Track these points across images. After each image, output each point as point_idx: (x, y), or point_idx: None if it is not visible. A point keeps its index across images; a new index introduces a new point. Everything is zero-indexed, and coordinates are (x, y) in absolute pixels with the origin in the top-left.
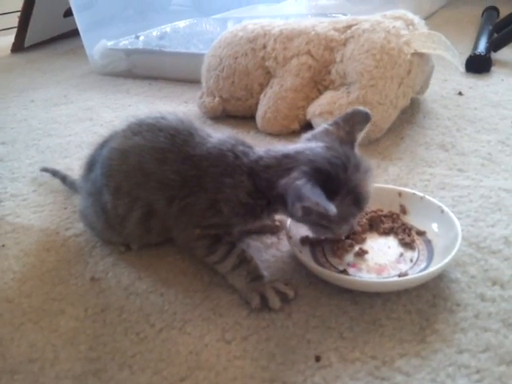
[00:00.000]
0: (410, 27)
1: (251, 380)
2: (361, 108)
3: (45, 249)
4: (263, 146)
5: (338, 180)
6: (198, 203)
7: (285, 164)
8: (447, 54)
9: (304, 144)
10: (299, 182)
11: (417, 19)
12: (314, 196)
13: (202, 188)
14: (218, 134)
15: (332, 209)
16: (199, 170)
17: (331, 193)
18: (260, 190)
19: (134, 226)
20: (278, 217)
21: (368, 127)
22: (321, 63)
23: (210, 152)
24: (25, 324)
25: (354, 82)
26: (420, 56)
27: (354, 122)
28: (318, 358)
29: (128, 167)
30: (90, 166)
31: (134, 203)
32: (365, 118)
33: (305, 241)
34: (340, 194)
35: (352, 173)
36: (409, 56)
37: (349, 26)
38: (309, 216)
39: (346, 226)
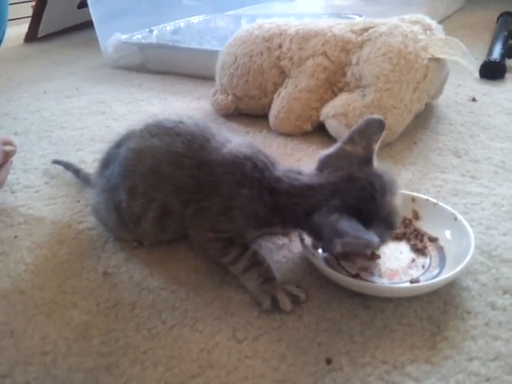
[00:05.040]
0: (428, 32)
1: (262, 380)
2: (374, 117)
3: (57, 241)
4: (281, 163)
5: (370, 213)
6: (212, 208)
7: (308, 196)
8: (464, 60)
9: (325, 176)
10: (333, 218)
11: (434, 24)
12: (353, 230)
13: (217, 193)
14: (236, 140)
15: (375, 239)
16: (214, 175)
17: (365, 224)
18: (278, 209)
19: (150, 225)
20: None
21: (383, 135)
22: (336, 65)
23: (225, 158)
24: (37, 316)
25: (370, 84)
26: (436, 61)
27: (369, 133)
28: (328, 361)
29: (143, 168)
30: (105, 163)
31: (149, 204)
32: (379, 126)
33: (317, 244)
34: (374, 224)
35: (380, 199)
36: (425, 61)
37: (366, 29)
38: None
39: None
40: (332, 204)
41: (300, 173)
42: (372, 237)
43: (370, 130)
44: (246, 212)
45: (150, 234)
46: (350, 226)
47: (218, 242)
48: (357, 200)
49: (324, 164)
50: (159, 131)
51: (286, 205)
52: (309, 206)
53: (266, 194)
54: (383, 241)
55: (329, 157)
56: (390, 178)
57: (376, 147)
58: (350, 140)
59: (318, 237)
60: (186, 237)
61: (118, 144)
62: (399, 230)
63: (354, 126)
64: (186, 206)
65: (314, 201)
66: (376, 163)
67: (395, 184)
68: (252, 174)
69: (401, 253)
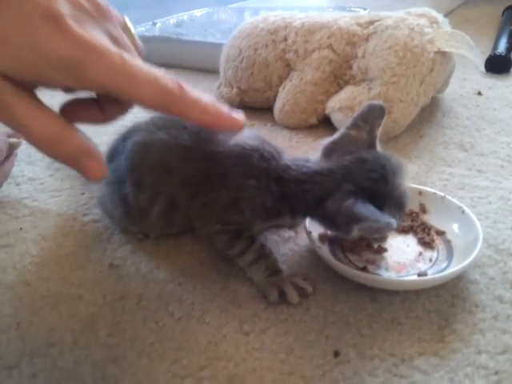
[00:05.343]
0: (434, 25)
1: (270, 372)
2: (375, 102)
3: (62, 233)
4: (287, 154)
5: (382, 195)
6: (220, 200)
7: (318, 183)
8: (470, 53)
9: (334, 161)
10: (349, 202)
11: (441, 17)
12: (371, 214)
13: (224, 185)
14: (242, 132)
15: (393, 222)
16: (222, 167)
17: (378, 207)
18: (286, 197)
19: (156, 219)
20: None
21: (385, 121)
22: (342, 58)
23: (232, 150)
24: (43, 308)
25: (376, 78)
26: (443, 54)
27: (372, 118)
28: (336, 354)
29: (151, 161)
30: (111, 155)
31: (156, 197)
32: (381, 112)
33: (324, 237)
34: (386, 206)
35: (392, 182)
36: (432, 54)
37: (372, 22)
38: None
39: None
40: (345, 189)
41: (307, 160)
42: (390, 219)
43: (373, 116)
44: (254, 203)
45: (156, 227)
46: (366, 210)
47: (225, 234)
48: (369, 182)
49: (330, 150)
50: (165, 124)
51: (296, 193)
52: (320, 192)
53: (274, 183)
54: (399, 222)
55: (334, 143)
56: (397, 160)
57: (378, 132)
58: (354, 125)
59: (331, 223)
60: (192, 230)
61: (124, 137)
62: (406, 223)
63: (356, 112)
64: (192, 198)
65: (325, 187)
66: (379, 148)
67: (403, 166)
68: (259, 165)
69: (408, 246)
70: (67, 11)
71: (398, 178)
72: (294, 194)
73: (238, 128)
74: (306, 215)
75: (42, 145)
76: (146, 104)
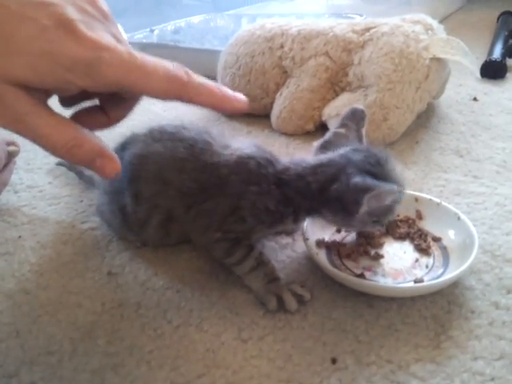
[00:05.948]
0: (429, 32)
1: (268, 380)
2: (356, 106)
3: (61, 241)
4: (285, 157)
5: (382, 177)
6: (218, 208)
7: (321, 172)
8: (465, 59)
9: (331, 153)
10: (356, 179)
11: (436, 24)
12: (379, 183)
13: (223, 194)
14: (237, 141)
15: (402, 188)
16: (219, 177)
17: None
18: (288, 199)
19: (154, 230)
20: None
21: (381, 128)
22: (338, 65)
23: (228, 159)
24: (42, 316)
25: (372, 84)
26: (438, 61)
27: (356, 120)
28: (334, 361)
29: (148, 174)
30: None
31: (153, 209)
32: (362, 115)
33: (321, 243)
34: None
35: (387, 165)
36: (427, 61)
37: (367, 29)
38: (369, 214)
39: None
40: (349, 171)
41: (304, 159)
42: (398, 185)
43: (356, 117)
44: (256, 209)
45: (154, 238)
46: (375, 181)
47: (224, 242)
48: (369, 166)
49: (323, 148)
50: (162, 137)
51: (299, 189)
52: (324, 180)
53: (274, 187)
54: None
55: (327, 142)
56: (386, 152)
57: (363, 132)
58: (343, 125)
59: (337, 207)
60: (190, 241)
61: (123, 146)
62: (403, 230)
63: (342, 114)
64: (188, 209)
65: (328, 174)
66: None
67: (391, 157)
68: (257, 171)
69: (404, 252)
70: (77, 17)
71: (390, 164)
72: (297, 191)
73: (243, 107)
74: (310, 212)
75: (60, 151)
76: (157, 94)
